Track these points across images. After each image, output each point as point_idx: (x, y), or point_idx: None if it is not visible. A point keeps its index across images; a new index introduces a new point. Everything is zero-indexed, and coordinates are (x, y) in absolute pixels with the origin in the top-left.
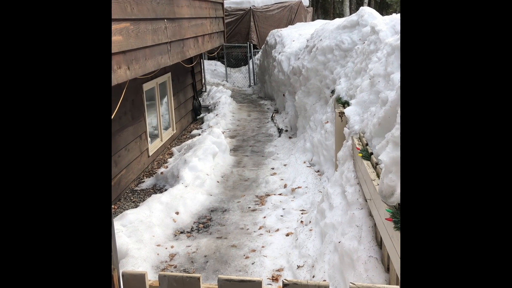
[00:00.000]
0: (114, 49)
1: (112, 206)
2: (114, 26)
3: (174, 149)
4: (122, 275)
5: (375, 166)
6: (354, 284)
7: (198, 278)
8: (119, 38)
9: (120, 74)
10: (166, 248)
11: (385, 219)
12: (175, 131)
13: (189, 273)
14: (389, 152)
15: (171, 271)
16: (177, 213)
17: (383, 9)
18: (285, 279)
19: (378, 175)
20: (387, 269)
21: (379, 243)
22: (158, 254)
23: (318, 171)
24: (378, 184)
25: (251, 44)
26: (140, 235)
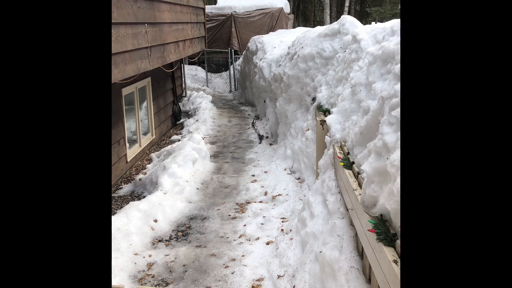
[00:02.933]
0: None
1: None
2: None
3: (153, 155)
4: None
5: (356, 175)
6: None
7: None
8: None
9: None
10: (144, 257)
11: (368, 230)
12: (154, 137)
13: (167, 283)
14: (371, 163)
15: (149, 281)
16: (155, 221)
17: (363, 18)
18: None
19: (359, 185)
20: (369, 280)
21: (361, 254)
22: (135, 263)
23: (299, 178)
24: (360, 194)
25: (232, 50)
26: (117, 243)
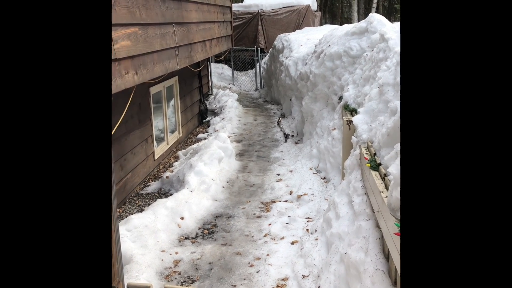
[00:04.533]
0: (122, 54)
1: (117, 209)
2: (123, 31)
3: (180, 153)
4: (127, 287)
5: (383, 177)
6: None
7: None
8: (127, 43)
9: (127, 79)
10: (171, 254)
11: (394, 233)
12: (181, 135)
13: (193, 280)
14: (398, 165)
15: (175, 278)
16: (182, 218)
17: (391, 14)
18: None
19: (386, 187)
20: (394, 282)
21: (387, 256)
22: (162, 260)
23: (324, 178)
24: (386, 196)
25: (259, 48)
26: (145, 240)
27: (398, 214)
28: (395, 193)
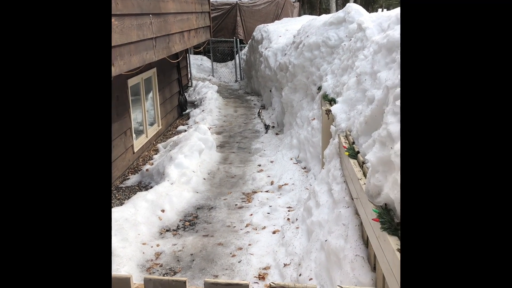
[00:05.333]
0: None
1: None
2: None
3: (160, 146)
4: None
5: (361, 165)
6: (341, 287)
7: (184, 282)
8: None
9: None
10: (152, 247)
11: (372, 219)
12: (160, 127)
13: (175, 271)
14: (376, 152)
15: (157, 270)
16: (162, 211)
17: (369, 5)
18: (272, 282)
19: (364, 174)
20: (373, 268)
21: (366, 242)
22: (143, 252)
23: (305, 168)
24: (364, 183)
25: (238, 39)
26: (125, 233)
27: (376, 201)
28: (373, 180)
